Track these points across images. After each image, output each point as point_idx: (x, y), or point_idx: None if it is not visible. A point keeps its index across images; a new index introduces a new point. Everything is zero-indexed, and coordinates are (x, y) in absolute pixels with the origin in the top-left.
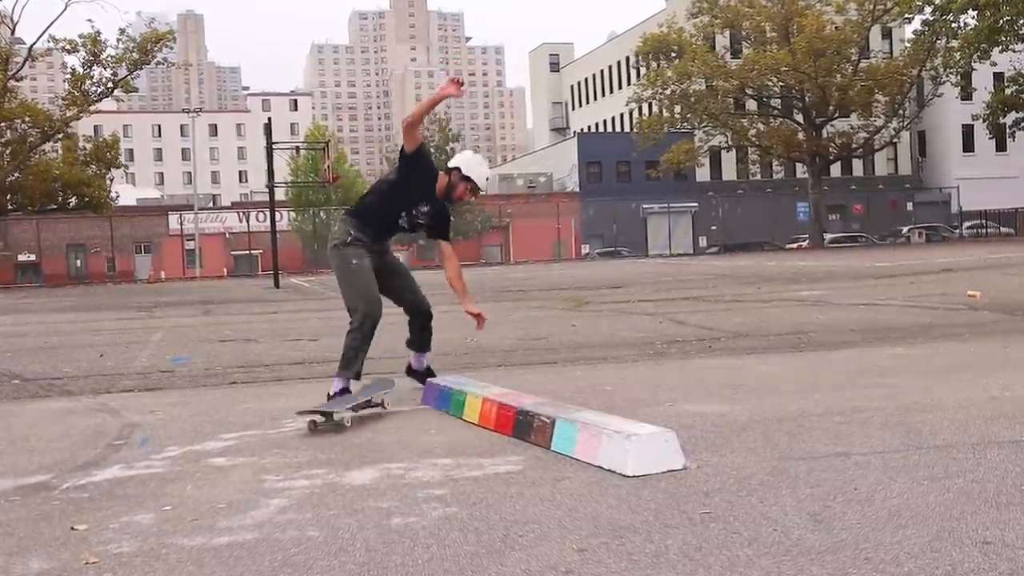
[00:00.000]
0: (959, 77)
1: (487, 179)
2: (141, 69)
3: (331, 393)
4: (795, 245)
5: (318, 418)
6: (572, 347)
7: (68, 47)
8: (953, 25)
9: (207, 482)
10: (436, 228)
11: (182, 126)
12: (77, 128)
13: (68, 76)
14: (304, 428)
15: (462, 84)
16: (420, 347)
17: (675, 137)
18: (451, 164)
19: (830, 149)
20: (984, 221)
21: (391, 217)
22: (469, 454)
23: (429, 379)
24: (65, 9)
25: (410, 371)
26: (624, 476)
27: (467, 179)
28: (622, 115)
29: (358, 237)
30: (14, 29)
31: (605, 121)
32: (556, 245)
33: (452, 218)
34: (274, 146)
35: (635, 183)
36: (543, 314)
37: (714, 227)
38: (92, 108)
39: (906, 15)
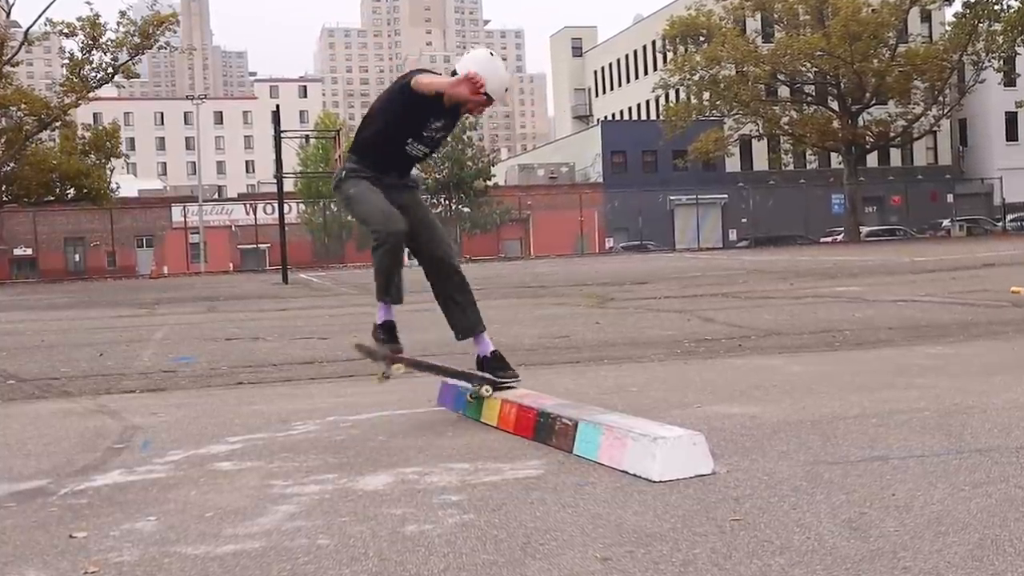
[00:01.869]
0: (1002, 62)
1: (507, 89)
2: (143, 54)
3: (376, 323)
4: (830, 239)
5: (383, 369)
6: (596, 346)
7: (66, 31)
8: (996, 7)
9: (212, 488)
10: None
11: (186, 114)
12: (75, 116)
13: (66, 61)
14: (314, 431)
15: (481, 85)
16: (465, 328)
17: (704, 125)
18: (459, 70)
19: (866, 138)
20: None
21: (396, 147)
22: (487, 458)
23: (444, 380)
24: None
25: (481, 364)
26: (650, 481)
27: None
28: (648, 102)
29: (353, 168)
30: (9, 12)
31: (630, 108)
32: (579, 239)
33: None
34: (283, 135)
35: (661, 173)
36: (565, 311)
37: (744, 220)
38: (91, 95)
39: None
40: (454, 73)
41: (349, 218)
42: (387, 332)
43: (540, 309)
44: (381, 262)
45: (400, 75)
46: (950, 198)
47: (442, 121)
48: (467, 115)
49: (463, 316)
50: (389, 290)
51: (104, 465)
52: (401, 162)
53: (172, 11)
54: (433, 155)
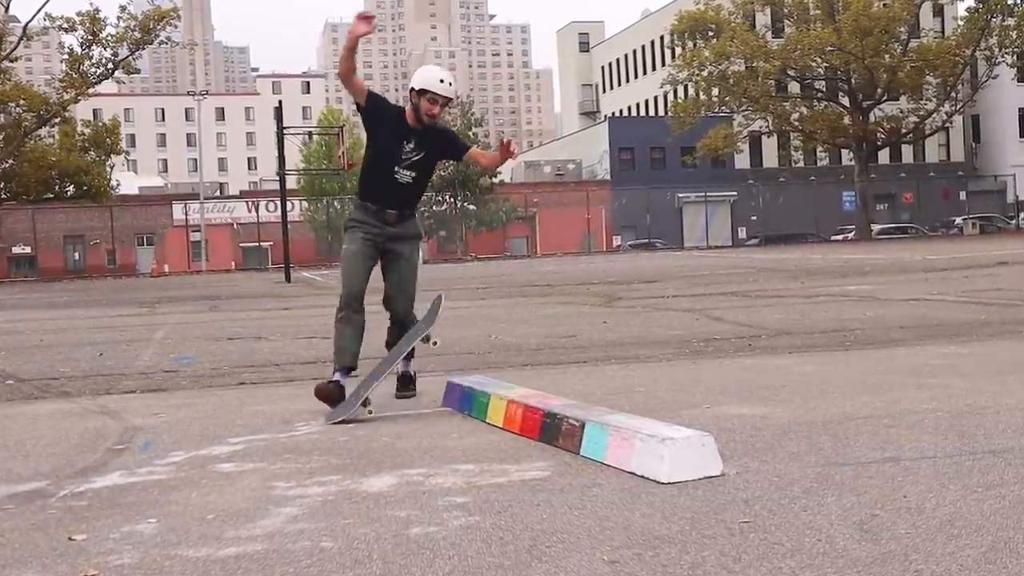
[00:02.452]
0: (1016, 57)
1: (441, 80)
2: (143, 49)
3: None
4: (840, 237)
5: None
6: (603, 345)
7: (65, 25)
8: (1009, 2)
9: (214, 489)
10: (448, 151)
11: (187, 110)
12: (75, 112)
13: (65, 56)
14: (317, 431)
15: (372, 19)
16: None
17: (712, 122)
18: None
19: (878, 134)
20: None
21: (385, 177)
22: (493, 459)
23: (450, 379)
24: None
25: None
26: (658, 483)
27: (422, 92)
28: (656, 98)
29: (354, 220)
30: (8, 6)
31: (638, 104)
32: (586, 237)
33: (455, 134)
34: (285, 131)
35: (670, 170)
36: (572, 310)
37: (754, 217)
38: (91, 91)
39: None
40: (411, 90)
41: None
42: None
43: (547, 308)
44: (336, 325)
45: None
46: (963, 195)
47: (412, 142)
48: (432, 122)
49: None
50: (340, 356)
51: (104, 466)
52: (396, 193)
53: (173, 6)
54: (425, 181)
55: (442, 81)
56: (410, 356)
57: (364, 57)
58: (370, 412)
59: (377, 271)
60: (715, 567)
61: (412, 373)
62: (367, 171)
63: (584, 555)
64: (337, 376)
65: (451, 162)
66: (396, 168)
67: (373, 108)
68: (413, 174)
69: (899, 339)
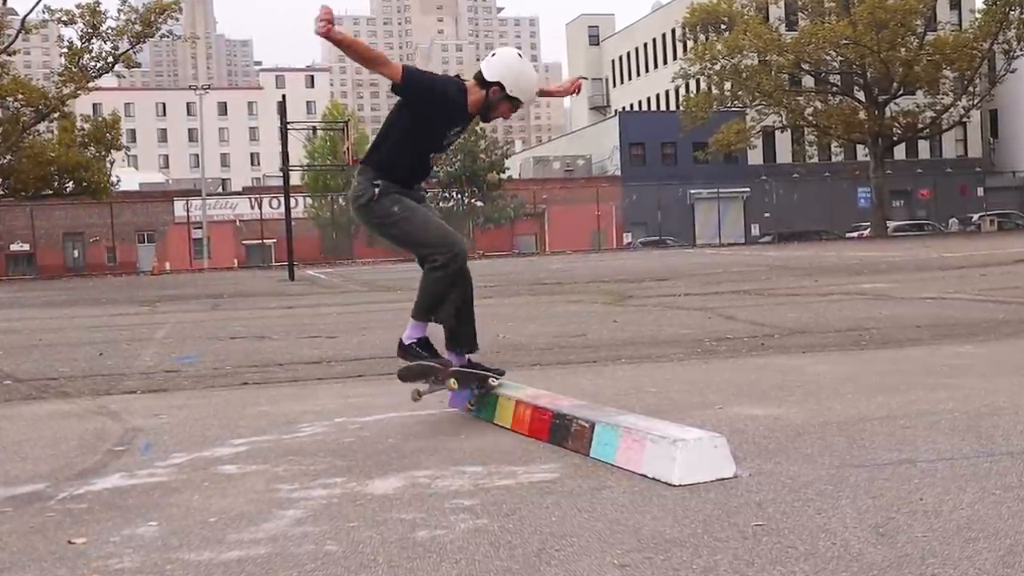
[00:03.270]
0: None
1: (536, 92)
2: (144, 42)
3: (404, 341)
4: (856, 234)
5: (421, 387)
6: (613, 345)
7: (65, 18)
8: None
9: (216, 492)
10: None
11: (189, 104)
12: (74, 107)
13: (65, 50)
14: (322, 433)
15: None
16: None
17: (725, 116)
18: (487, 75)
19: (894, 129)
20: None
21: (421, 160)
22: (501, 461)
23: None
24: None
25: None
26: (670, 485)
27: (511, 99)
28: (667, 92)
29: (388, 187)
30: None
31: (649, 99)
32: (595, 234)
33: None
34: (289, 126)
35: (681, 166)
36: (582, 309)
37: (767, 214)
38: (91, 85)
39: None
40: (479, 74)
41: None
42: (427, 348)
43: (556, 307)
44: (438, 283)
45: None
46: (980, 191)
47: (460, 127)
48: (490, 120)
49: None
50: (437, 311)
51: (104, 468)
52: (425, 173)
53: None
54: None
55: (536, 93)
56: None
57: None
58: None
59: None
60: (728, 571)
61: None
62: (401, 148)
63: (594, 559)
64: (421, 332)
65: (458, 156)
66: (436, 150)
67: (419, 89)
68: (442, 154)
69: (915, 338)
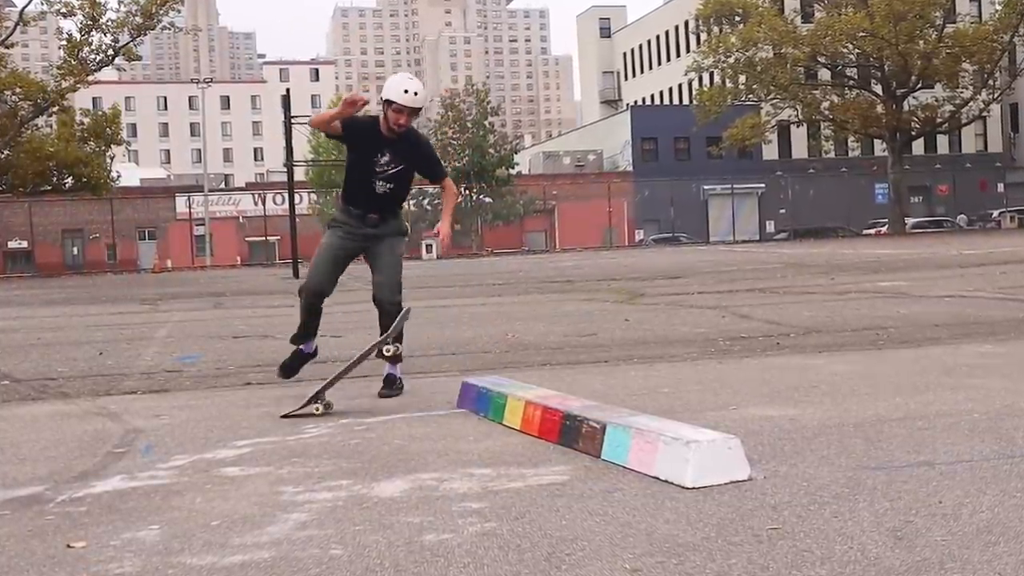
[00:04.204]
0: None
1: (406, 91)
2: (145, 35)
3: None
4: (873, 231)
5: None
6: (625, 344)
7: (64, 10)
8: None
9: (218, 494)
10: (424, 170)
11: (191, 98)
12: (74, 100)
13: (64, 42)
14: (327, 434)
15: (362, 102)
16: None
17: (739, 110)
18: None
19: (912, 124)
20: None
21: (364, 187)
22: (510, 463)
23: (465, 380)
24: None
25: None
26: (683, 488)
27: (389, 103)
28: (680, 86)
29: (337, 220)
30: None
31: (661, 93)
32: (607, 231)
33: (433, 154)
34: (293, 120)
35: (695, 162)
36: (593, 307)
37: (783, 210)
38: (90, 78)
39: None
40: (415, 94)
41: None
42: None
43: (566, 305)
44: (301, 308)
45: None
46: (1000, 187)
47: (388, 155)
48: (400, 133)
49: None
50: (297, 334)
51: (104, 471)
52: (375, 200)
53: None
54: (406, 188)
55: (406, 92)
56: (396, 359)
57: (375, 44)
58: (317, 410)
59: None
60: (742, 575)
61: (397, 376)
62: (347, 180)
63: (605, 563)
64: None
65: (466, 151)
66: (373, 180)
67: (348, 131)
68: (391, 185)
69: (934, 338)
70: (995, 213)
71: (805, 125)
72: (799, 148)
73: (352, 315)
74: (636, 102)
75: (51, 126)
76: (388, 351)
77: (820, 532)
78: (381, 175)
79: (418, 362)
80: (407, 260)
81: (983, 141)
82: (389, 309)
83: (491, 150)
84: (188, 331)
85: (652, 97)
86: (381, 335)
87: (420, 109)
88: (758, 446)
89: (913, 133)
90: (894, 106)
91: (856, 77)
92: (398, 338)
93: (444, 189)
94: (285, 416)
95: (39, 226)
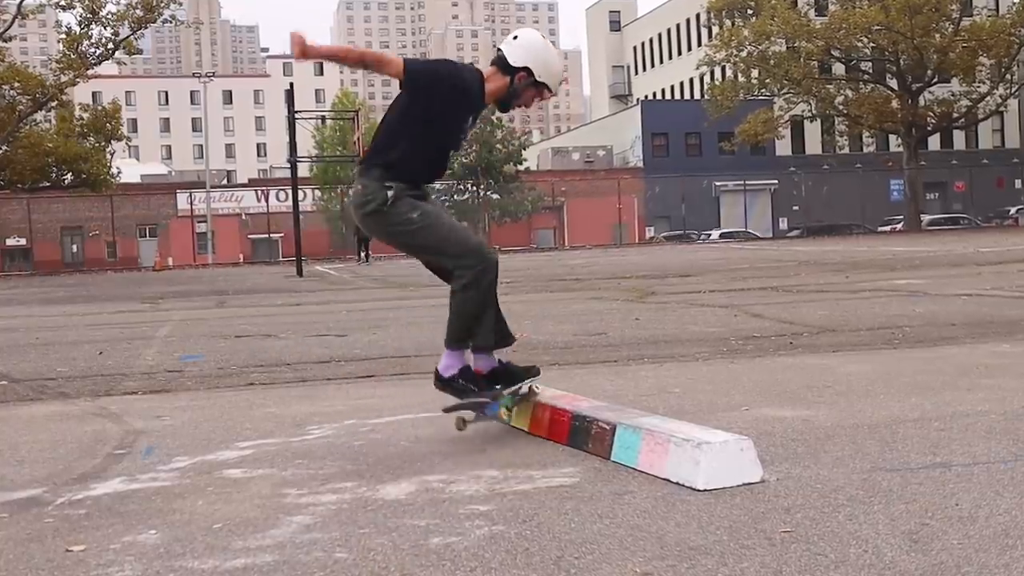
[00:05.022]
0: None
1: (561, 80)
2: (146, 28)
3: (443, 374)
4: (888, 228)
5: (467, 415)
6: (635, 344)
7: (63, 3)
8: None
9: (220, 497)
10: None
11: (192, 93)
12: (73, 95)
13: (63, 36)
14: (331, 435)
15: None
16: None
17: (752, 105)
18: (512, 60)
19: (928, 119)
20: None
21: (439, 160)
22: (518, 465)
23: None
24: None
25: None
26: (694, 490)
27: (539, 84)
28: (692, 80)
29: (400, 189)
30: None
31: (672, 87)
32: (617, 228)
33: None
34: (297, 115)
35: (706, 157)
36: (602, 306)
37: (796, 207)
38: (90, 72)
39: None
40: (501, 58)
41: None
42: (472, 378)
43: (575, 304)
44: (469, 303)
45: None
46: (1018, 183)
47: (472, 119)
48: (511, 108)
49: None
50: (474, 336)
51: (104, 473)
52: (443, 171)
53: None
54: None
55: (561, 81)
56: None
57: (380, 37)
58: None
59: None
60: None
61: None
62: (415, 147)
63: (615, 567)
64: (461, 363)
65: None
66: (454, 145)
67: (427, 81)
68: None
69: (951, 337)
70: (1012, 210)
71: (819, 120)
72: (813, 144)
73: (357, 313)
74: (647, 97)
75: (50, 121)
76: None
77: (834, 535)
78: (464, 140)
79: (425, 362)
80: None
81: (1000, 137)
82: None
83: (499, 146)
84: (190, 330)
85: (663, 92)
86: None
87: None
88: (771, 447)
89: (929, 128)
90: (909, 101)
91: (871, 71)
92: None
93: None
94: (447, 410)
95: (38, 223)
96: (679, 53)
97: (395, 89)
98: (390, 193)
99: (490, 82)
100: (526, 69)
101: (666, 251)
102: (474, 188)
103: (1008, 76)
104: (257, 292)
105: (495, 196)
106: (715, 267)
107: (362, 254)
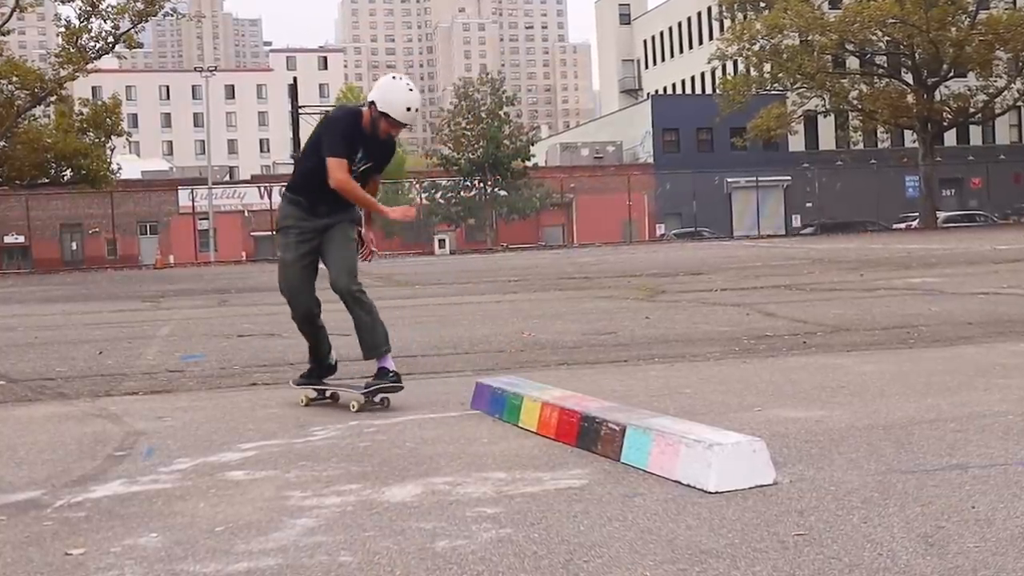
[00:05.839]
0: None
1: (409, 109)
2: (146, 21)
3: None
4: (903, 225)
5: (310, 393)
6: (645, 343)
7: None
8: None
9: (223, 499)
10: (382, 163)
11: (194, 87)
12: (72, 90)
13: (62, 29)
14: (335, 436)
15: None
16: (364, 347)
17: (764, 100)
18: (369, 96)
19: (944, 114)
20: None
21: (324, 184)
22: (526, 467)
23: (479, 380)
24: None
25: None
26: (705, 492)
27: (384, 115)
28: (703, 75)
29: (287, 218)
30: None
31: (683, 82)
32: (626, 225)
33: (394, 149)
34: (301, 110)
35: (718, 153)
36: (612, 305)
37: (809, 204)
38: (90, 66)
39: None
40: (372, 103)
41: None
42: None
43: (584, 303)
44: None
45: (327, 115)
46: None
47: (362, 152)
48: (383, 139)
49: (360, 336)
50: (310, 355)
51: (104, 475)
52: (332, 196)
53: None
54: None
55: (408, 110)
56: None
57: (386, 31)
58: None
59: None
60: None
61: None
62: (309, 172)
63: (625, 570)
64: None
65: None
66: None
67: (347, 135)
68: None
69: (967, 336)
70: None
71: (833, 115)
72: (826, 139)
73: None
74: (657, 91)
75: (49, 116)
76: (353, 406)
77: (848, 538)
78: (353, 173)
79: (430, 362)
80: (421, 256)
81: (1018, 132)
82: (347, 298)
83: (506, 141)
84: (191, 329)
85: (674, 86)
86: (356, 328)
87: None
88: (783, 449)
89: (945, 124)
90: (925, 95)
91: (886, 65)
92: (379, 338)
93: (374, 182)
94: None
95: (36, 220)
96: (690, 47)
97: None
98: (279, 222)
99: (364, 118)
100: (372, 103)
101: (676, 248)
102: (481, 185)
103: None
104: (260, 290)
105: (502, 193)
106: (727, 265)
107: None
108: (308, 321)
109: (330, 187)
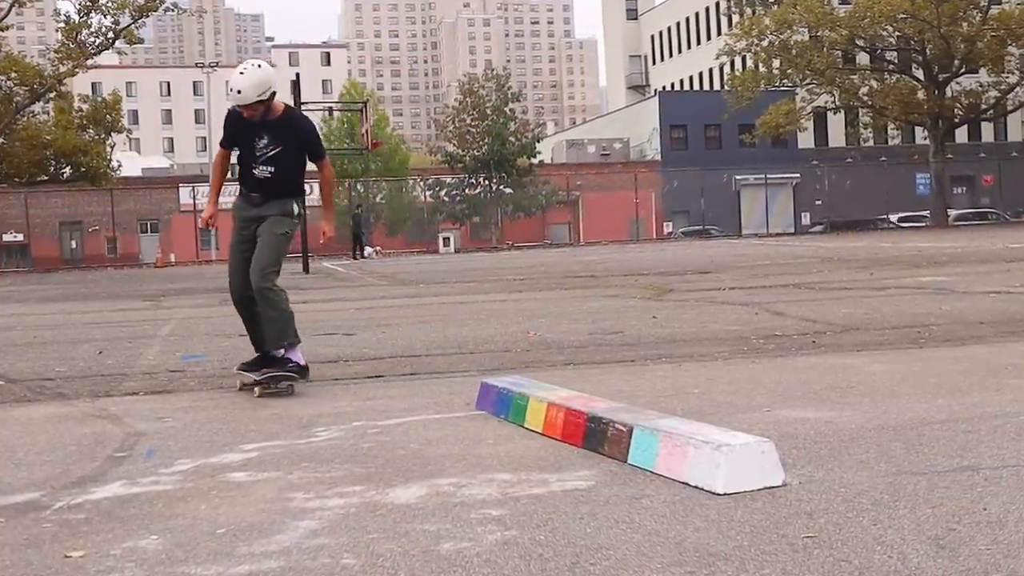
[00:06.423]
0: None
1: (231, 90)
2: (147, 16)
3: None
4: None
5: (247, 378)
6: (653, 343)
7: None
8: None
9: (224, 501)
10: (306, 147)
11: (195, 83)
12: (72, 86)
13: (61, 25)
14: (338, 437)
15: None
16: (268, 339)
17: (773, 96)
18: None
19: (955, 110)
20: None
21: (247, 173)
22: (531, 468)
23: (484, 380)
24: None
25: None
26: (714, 494)
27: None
28: (711, 71)
29: (235, 209)
30: None
31: (691, 78)
32: (633, 223)
33: (311, 133)
34: (303, 107)
35: (726, 150)
36: (618, 304)
37: (819, 202)
38: (89, 62)
39: None
40: (239, 92)
41: (379, 199)
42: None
43: (590, 301)
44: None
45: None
46: None
47: (264, 137)
48: (251, 116)
49: (265, 328)
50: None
51: (104, 476)
52: (256, 186)
53: None
54: (292, 171)
55: (231, 91)
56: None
57: (389, 27)
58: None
59: None
60: None
61: (286, 358)
62: (237, 163)
63: (632, 573)
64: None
65: (486, 139)
66: (253, 165)
67: (228, 128)
68: (271, 168)
69: (979, 336)
70: None
71: (842, 112)
72: (836, 136)
73: (365, 311)
74: (664, 87)
75: (48, 113)
76: (257, 391)
77: (858, 540)
78: (261, 159)
79: (435, 361)
80: (425, 254)
81: None
82: (256, 294)
83: (512, 138)
84: (192, 329)
85: (681, 82)
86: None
87: (264, 101)
88: (793, 450)
89: (956, 120)
90: (936, 92)
91: (896, 61)
92: (281, 333)
93: (321, 171)
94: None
95: (36, 218)
96: (698, 42)
97: (404, 78)
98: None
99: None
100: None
101: (684, 246)
102: (486, 182)
103: None
104: None
105: (508, 190)
106: (735, 264)
107: (357, 251)
108: (242, 304)
109: (256, 178)
